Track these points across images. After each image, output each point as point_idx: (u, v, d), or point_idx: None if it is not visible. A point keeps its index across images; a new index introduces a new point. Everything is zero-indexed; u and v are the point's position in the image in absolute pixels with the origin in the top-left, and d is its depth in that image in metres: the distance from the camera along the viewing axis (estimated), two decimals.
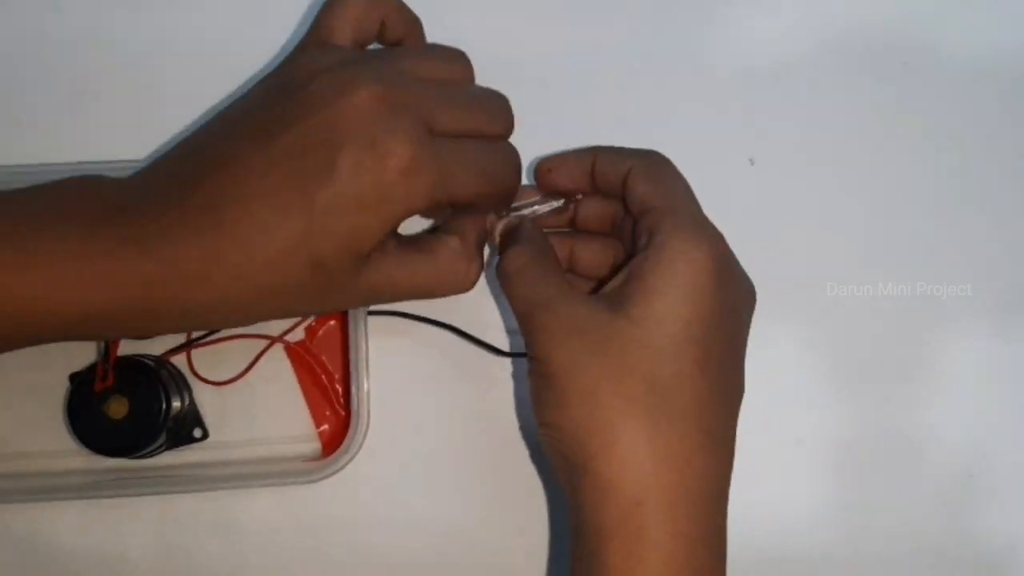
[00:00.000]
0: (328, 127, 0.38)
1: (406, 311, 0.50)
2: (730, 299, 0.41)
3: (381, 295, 0.43)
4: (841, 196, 0.54)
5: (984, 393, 0.53)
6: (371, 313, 0.49)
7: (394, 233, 0.41)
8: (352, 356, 0.48)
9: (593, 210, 0.47)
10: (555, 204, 0.47)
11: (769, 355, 0.52)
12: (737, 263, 0.42)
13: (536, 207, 0.47)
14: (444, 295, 0.44)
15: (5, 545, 0.50)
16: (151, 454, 0.49)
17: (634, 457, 0.38)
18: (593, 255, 0.48)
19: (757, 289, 0.51)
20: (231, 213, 0.38)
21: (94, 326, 0.39)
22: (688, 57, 0.54)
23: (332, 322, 0.51)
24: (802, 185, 0.53)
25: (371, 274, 0.41)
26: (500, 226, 0.46)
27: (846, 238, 0.53)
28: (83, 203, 0.39)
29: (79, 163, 0.48)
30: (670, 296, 0.39)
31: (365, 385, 0.47)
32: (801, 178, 0.53)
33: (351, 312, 0.48)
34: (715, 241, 0.41)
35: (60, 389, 0.50)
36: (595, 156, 0.45)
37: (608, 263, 0.47)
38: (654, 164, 0.44)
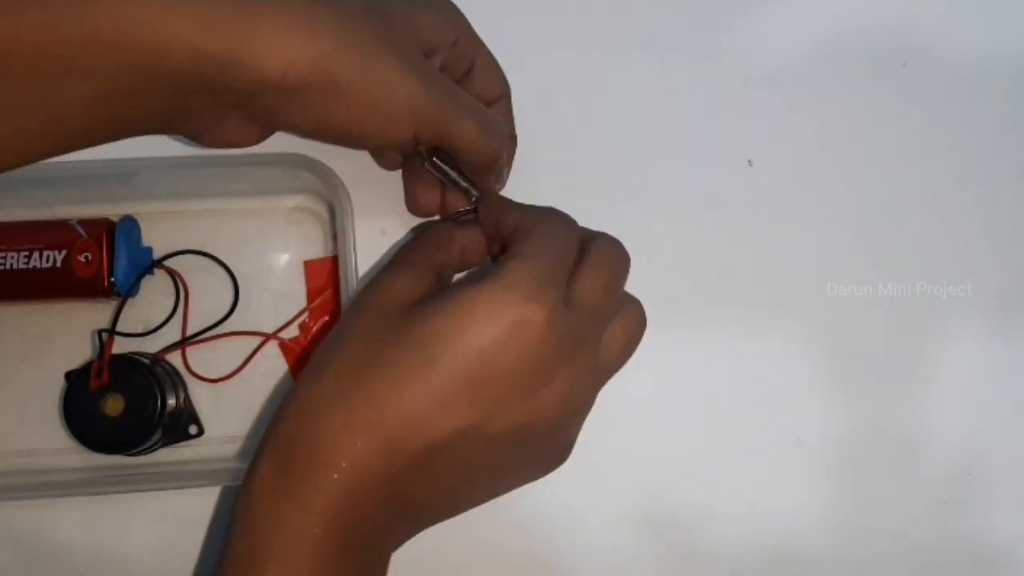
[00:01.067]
0: None
1: None
2: (514, 362, 0.38)
3: None
4: (841, 197, 0.53)
5: (984, 393, 0.52)
6: None
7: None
8: None
9: None
10: None
11: (770, 354, 0.52)
12: (552, 354, 0.39)
13: None
14: None
15: (3, 543, 0.50)
16: (147, 451, 0.50)
17: (338, 414, 0.38)
18: None
19: (757, 289, 0.52)
20: None
21: None
22: (687, 58, 0.54)
23: (326, 318, 0.51)
24: (801, 186, 0.53)
25: None
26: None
27: (846, 238, 0.53)
28: None
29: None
30: (450, 315, 0.38)
31: None
32: (800, 179, 0.53)
33: (344, 307, 0.48)
34: (531, 303, 0.38)
35: (56, 387, 0.50)
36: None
37: None
38: (533, 216, 0.43)
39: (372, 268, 0.50)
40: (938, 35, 0.54)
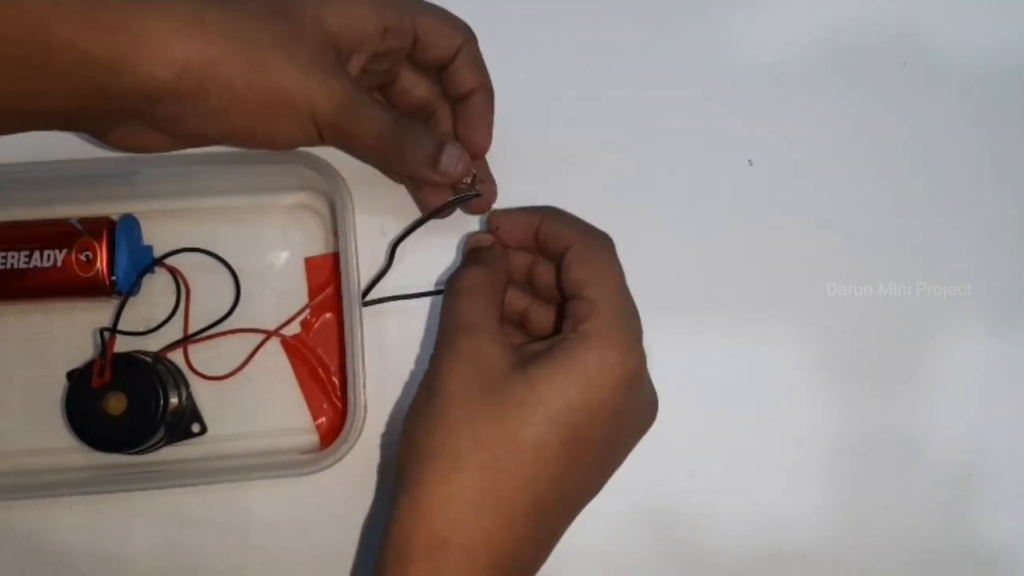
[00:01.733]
0: None
1: (399, 294, 0.50)
2: (623, 411, 0.41)
3: None
4: (840, 196, 0.53)
5: (984, 393, 0.53)
6: (365, 304, 0.49)
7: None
8: (348, 348, 0.48)
9: (543, 275, 0.47)
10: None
11: (769, 354, 0.52)
12: (646, 380, 0.43)
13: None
14: None
15: (6, 542, 0.50)
16: (150, 449, 0.50)
17: (460, 498, 0.39)
18: (542, 318, 0.47)
19: (757, 289, 0.52)
20: None
21: None
22: (688, 58, 0.54)
23: (328, 315, 0.52)
24: (801, 185, 0.53)
25: None
26: (472, 240, 0.47)
27: (846, 238, 0.53)
28: None
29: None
30: (567, 378, 0.40)
31: (361, 377, 0.47)
32: (800, 179, 0.53)
33: (345, 304, 0.48)
34: (632, 353, 0.41)
35: (58, 387, 0.50)
36: (541, 220, 0.46)
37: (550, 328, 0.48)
38: (591, 249, 0.44)
39: (372, 266, 0.50)
40: (938, 35, 0.54)
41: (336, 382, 0.51)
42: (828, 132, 0.54)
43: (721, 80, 0.54)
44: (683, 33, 0.54)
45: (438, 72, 0.48)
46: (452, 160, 0.45)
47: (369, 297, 0.50)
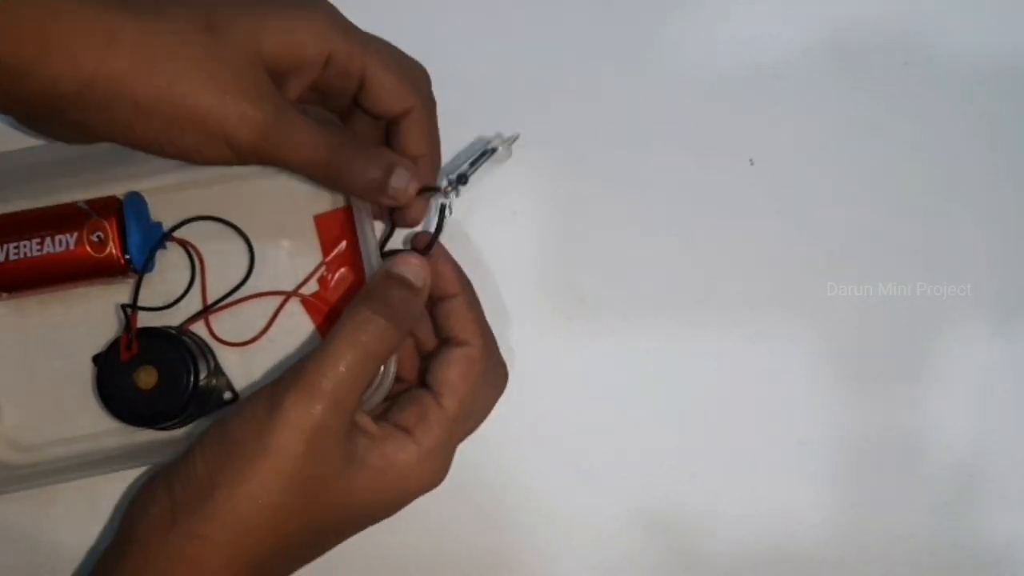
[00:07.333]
0: None
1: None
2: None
3: None
4: (841, 196, 0.53)
5: (984, 393, 0.52)
6: (384, 255, 0.49)
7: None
8: None
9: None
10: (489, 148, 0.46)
11: (769, 355, 0.52)
12: None
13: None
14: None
15: (5, 543, 0.51)
16: (184, 422, 0.49)
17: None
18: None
19: (757, 289, 0.52)
20: None
21: None
22: (688, 56, 0.53)
23: (343, 270, 0.51)
24: (802, 185, 0.53)
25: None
26: (407, 264, 0.44)
27: (846, 238, 0.52)
28: None
29: None
30: (390, 487, 0.43)
31: None
32: (801, 178, 0.53)
33: (364, 252, 0.47)
34: (443, 472, 0.44)
35: (86, 374, 0.50)
36: (463, 290, 0.46)
37: None
38: (488, 369, 0.45)
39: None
40: (939, 33, 0.53)
41: None
42: (829, 131, 0.53)
43: (722, 79, 0.53)
44: (683, 31, 0.53)
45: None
46: (402, 182, 0.43)
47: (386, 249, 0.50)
